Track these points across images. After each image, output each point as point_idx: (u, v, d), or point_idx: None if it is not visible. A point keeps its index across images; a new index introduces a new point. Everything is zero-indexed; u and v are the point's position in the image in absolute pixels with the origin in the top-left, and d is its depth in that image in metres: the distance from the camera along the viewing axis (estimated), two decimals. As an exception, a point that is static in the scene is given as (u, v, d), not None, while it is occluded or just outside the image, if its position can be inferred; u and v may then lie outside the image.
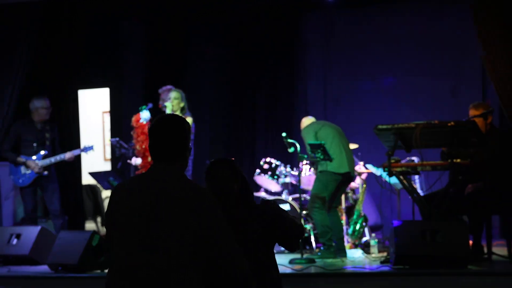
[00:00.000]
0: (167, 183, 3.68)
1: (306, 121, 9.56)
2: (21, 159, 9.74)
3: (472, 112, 8.27)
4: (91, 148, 9.90)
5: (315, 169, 9.13)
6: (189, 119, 8.53)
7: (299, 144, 8.93)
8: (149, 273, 3.56)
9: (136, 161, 8.72)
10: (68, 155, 9.80)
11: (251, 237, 4.23)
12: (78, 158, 11.16)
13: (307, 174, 9.89)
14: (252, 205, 4.41)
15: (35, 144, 9.81)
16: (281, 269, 7.51)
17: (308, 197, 9.24)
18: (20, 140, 9.85)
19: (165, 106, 8.53)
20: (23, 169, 9.76)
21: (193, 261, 3.58)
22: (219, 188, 4.27)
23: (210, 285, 3.71)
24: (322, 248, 8.98)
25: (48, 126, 9.93)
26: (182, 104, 8.52)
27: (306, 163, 9.49)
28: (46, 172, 9.73)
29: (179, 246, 3.56)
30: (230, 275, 3.68)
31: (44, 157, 9.74)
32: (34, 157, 9.73)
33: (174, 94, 8.62)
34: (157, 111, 8.99)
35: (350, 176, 9.00)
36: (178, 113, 8.35)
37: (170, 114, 4.08)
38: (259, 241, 4.25)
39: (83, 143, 11.47)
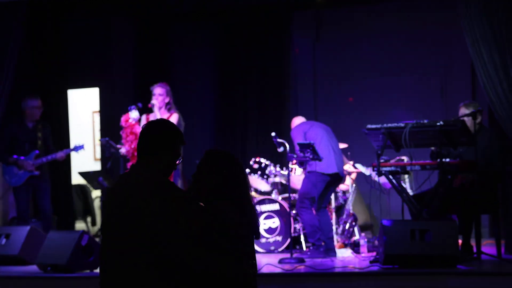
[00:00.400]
0: (134, 185, 3.81)
1: (297, 120, 9.57)
2: (13, 158, 9.76)
3: (462, 111, 8.29)
4: (82, 147, 9.90)
5: (304, 169, 9.13)
6: (175, 115, 8.42)
7: (288, 144, 8.94)
8: (116, 276, 3.69)
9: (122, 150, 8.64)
10: (60, 154, 9.81)
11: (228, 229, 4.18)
12: (68, 158, 11.16)
13: (296, 173, 9.89)
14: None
15: (27, 144, 9.85)
16: (271, 269, 7.57)
17: (297, 197, 9.23)
18: (13, 140, 9.87)
19: (153, 104, 8.47)
20: (15, 169, 9.78)
21: (152, 262, 3.68)
22: (194, 177, 4.25)
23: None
24: (311, 247, 8.99)
25: (40, 125, 9.97)
26: (167, 100, 8.40)
27: (295, 163, 9.47)
28: (37, 172, 9.73)
29: (139, 249, 3.68)
30: (193, 271, 3.77)
31: (36, 156, 9.75)
32: (26, 157, 9.74)
33: (158, 90, 8.53)
34: (148, 110, 8.97)
35: (339, 176, 9.00)
36: (163, 109, 8.28)
37: (158, 119, 4.20)
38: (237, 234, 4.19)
39: (73, 142, 11.46)
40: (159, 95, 8.34)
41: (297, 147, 8.83)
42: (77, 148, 9.91)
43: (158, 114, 8.24)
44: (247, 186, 4.27)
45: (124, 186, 3.85)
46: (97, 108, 13.03)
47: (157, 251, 3.68)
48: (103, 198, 10.72)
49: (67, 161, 11.13)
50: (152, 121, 4.11)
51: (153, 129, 4.04)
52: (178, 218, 3.74)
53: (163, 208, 3.72)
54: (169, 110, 8.42)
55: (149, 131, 4.03)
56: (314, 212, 8.97)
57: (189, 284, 3.77)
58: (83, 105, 14.22)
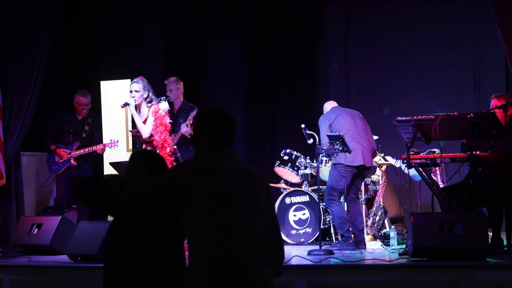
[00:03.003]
0: (244, 164, 4.34)
1: (327, 106, 9.40)
2: (53, 147, 10.23)
3: (494, 103, 8.23)
4: (116, 144, 10.11)
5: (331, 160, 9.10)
6: (164, 105, 8.27)
7: (318, 136, 8.90)
8: (259, 231, 4.09)
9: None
10: (98, 147, 10.08)
11: None
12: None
13: (327, 165, 9.86)
14: None
15: (72, 135, 10.32)
16: (300, 260, 7.57)
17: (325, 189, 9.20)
18: (60, 130, 10.36)
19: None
20: (56, 157, 10.21)
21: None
22: None
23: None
24: (340, 239, 8.97)
25: (90, 119, 10.51)
26: (145, 95, 8.20)
27: (323, 155, 9.41)
28: (74, 163, 9.98)
29: (266, 214, 4.20)
30: (281, 243, 4.45)
31: (77, 148, 10.01)
32: (67, 147, 10.20)
33: (133, 86, 8.22)
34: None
35: (365, 168, 8.94)
36: (143, 106, 8.18)
37: (222, 109, 4.45)
38: None
39: (106, 134, 11.56)
40: (135, 91, 8.16)
41: (323, 138, 8.79)
42: (111, 145, 10.11)
43: (134, 111, 8.20)
44: None
45: (235, 165, 4.26)
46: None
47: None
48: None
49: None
50: (227, 112, 4.42)
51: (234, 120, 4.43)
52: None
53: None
54: (151, 104, 8.21)
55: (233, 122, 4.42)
56: (344, 204, 8.94)
57: None
58: (117, 97, 14.30)
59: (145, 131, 8.09)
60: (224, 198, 4.05)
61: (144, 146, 8.17)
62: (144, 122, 8.12)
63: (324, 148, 8.71)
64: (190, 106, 9.83)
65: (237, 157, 4.33)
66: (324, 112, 9.28)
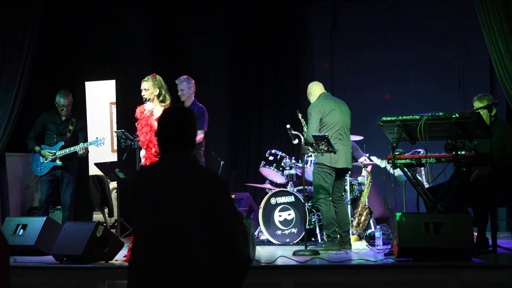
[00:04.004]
0: (179, 171, 3.99)
1: (315, 88, 9.24)
2: (38, 148, 10.14)
3: (477, 104, 8.26)
4: (101, 141, 10.04)
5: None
6: (149, 105, 8.20)
7: (303, 136, 8.89)
8: (168, 260, 3.84)
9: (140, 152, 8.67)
10: (80, 146, 9.99)
11: None
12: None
13: (312, 166, 9.87)
14: None
15: (56, 135, 10.22)
16: (285, 261, 7.57)
17: (312, 189, 9.21)
18: (45, 130, 10.26)
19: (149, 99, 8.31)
20: (41, 158, 10.15)
21: (208, 245, 3.85)
22: None
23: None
24: (326, 239, 8.96)
25: (74, 119, 10.35)
26: (156, 92, 8.17)
27: (310, 155, 9.43)
28: (59, 163, 9.94)
29: (195, 232, 3.85)
30: (235, 257, 3.94)
31: (62, 147, 9.99)
32: (51, 148, 10.11)
33: (143, 84, 8.14)
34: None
35: (347, 170, 9.01)
36: (157, 104, 8.14)
37: (176, 106, 4.30)
38: None
39: (91, 134, 11.54)
40: (144, 90, 8.17)
41: (312, 127, 8.77)
42: (97, 142, 10.04)
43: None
44: None
45: (166, 173, 4.01)
46: (114, 99, 13.10)
47: (214, 236, 3.88)
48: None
49: (84, 152, 11.23)
50: (172, 111, 4.21)
51: (179, 119, 4.14)
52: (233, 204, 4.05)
53: (224, 192, 4.00)
54: (161, 102, 8.22)
55: (177, 122, 4.12)
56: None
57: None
58: (101, 97, 14.30)
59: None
60: (141, 210, 4.00)
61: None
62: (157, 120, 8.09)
63: (310, 136, 8.66)
64: (199, 108, 9.43)
65: (173, 163, 4.04)
66: (311, 95, 9.18)
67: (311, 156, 9.53)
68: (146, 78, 8.13)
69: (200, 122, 9.09)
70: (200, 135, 9.11)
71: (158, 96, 8.06)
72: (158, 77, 8.11)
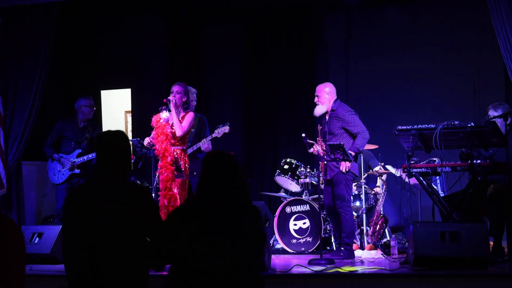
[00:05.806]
0: (116, 189, 4.60)
1: (335, 90, 9.38)
2: (57, 155, 10.18)
3: (491, 113, 8.25)
4: None
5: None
6: (191, 114, 8.39)
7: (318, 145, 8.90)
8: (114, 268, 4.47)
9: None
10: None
11: None
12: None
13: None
14: None
15: (73, 143, 10.25)
16: (300, 270, 7.57)
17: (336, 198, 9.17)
18: (61, 138, 10.30)
19: (169, 100, 8.38)
20: (59, 166, 10.18)
21: (140, 246, 4.49)
22: None
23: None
24: (345, 248, 8.88)
25: (90, 126, 10.39)
26: (184, 99, 8.38)
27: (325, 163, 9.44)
28: (78, 170, 10.02)
29: (134, 241, 4.47)
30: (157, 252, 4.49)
31: (79, 155, 10.05)
32: (69, 155, 10.16)
33: (176, 87, 8.46)
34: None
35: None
36: (180, 108, 8.33)
37: (112, 131, 4.77)
38: None
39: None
40: (176, 92, 8.34)
41: (360, 126, 8.84)
42: None
43: (174, 111, 8.24)
44: None
45: (104, 192, 4.63)
46: (130, 108, 13.15)
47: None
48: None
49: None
50: (111, 136, 4.77)
51: (119, 144, 4.77)
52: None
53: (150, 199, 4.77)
54: (185, 109, 8.41)
55: (117, 146, 4.76)
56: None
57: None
58: (117, 105, 14.35)
59: (179, 129, 8.25)
60: (76, 226, 4.55)
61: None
62: (180, 122, 8.25)
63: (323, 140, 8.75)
64: (199, 118, 9.76)
65: (106, 182, 4.63)
66: (329, 94, 9.24)
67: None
68: (178, 83, 8.28)
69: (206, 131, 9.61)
70: (206, 144, 9.42)
71: (185, 102, 8.20)
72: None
